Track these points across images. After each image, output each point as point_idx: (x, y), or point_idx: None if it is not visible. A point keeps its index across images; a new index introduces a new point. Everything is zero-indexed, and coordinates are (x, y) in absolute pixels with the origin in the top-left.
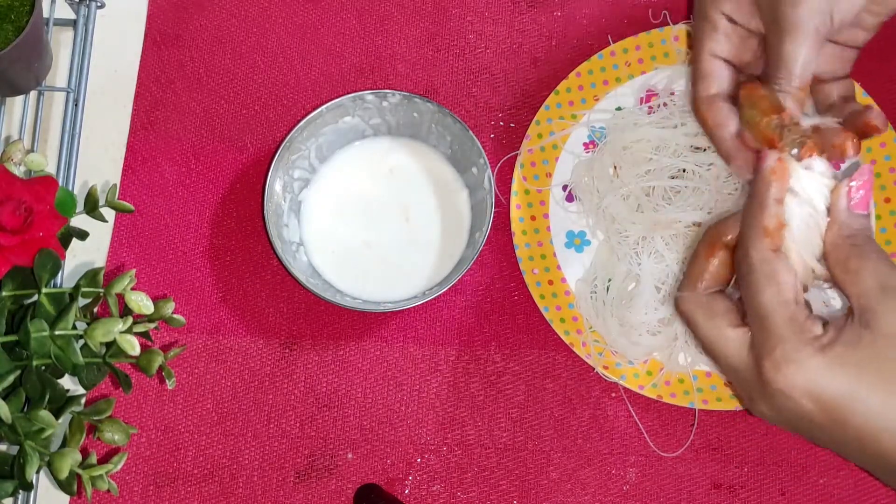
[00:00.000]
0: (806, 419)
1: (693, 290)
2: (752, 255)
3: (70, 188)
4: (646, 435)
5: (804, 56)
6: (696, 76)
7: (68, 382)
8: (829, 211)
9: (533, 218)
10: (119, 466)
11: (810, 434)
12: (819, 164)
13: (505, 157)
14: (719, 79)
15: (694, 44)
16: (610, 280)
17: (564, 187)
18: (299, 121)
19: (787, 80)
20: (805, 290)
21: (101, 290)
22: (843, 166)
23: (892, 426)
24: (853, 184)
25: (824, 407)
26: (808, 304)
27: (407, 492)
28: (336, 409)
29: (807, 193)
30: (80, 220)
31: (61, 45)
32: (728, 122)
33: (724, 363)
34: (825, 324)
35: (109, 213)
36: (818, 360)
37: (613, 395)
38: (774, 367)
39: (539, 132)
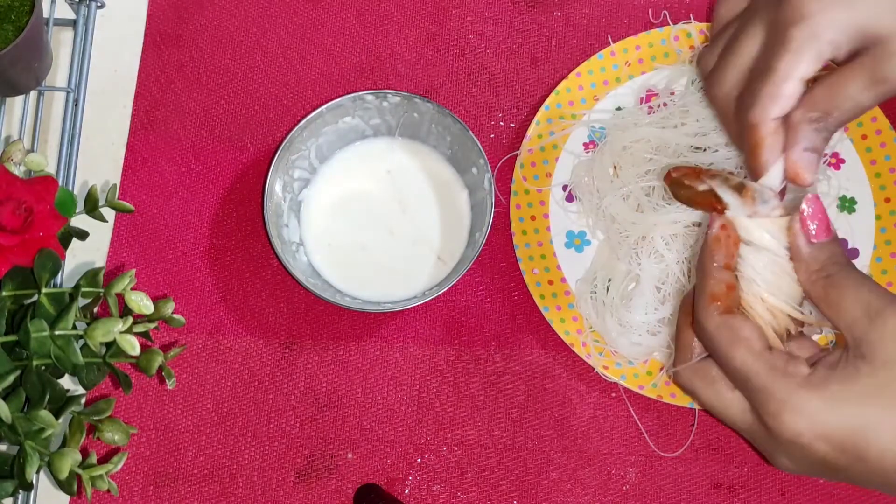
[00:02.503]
0: (824, 462)
1: (686, 362)
2: (707, 325)
3: (70, 188)
4: (646, 435)
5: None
6: (769, 90)
7: (68, 382)
8: (790, 250)
9: (533, 218)
10: (119, 466)
11: (834, 475)
12: (764, 205)
13: (505, 157)
14: (792, 98)
15: (778, 51)
16: (610, 280)
17: (564, 187)
18: (299, 121)
19: (835, 125)
20: (788, 336)
21: (101, 290)
22: (787, 196)
23: None
24: (806, 214)
25: (838, 446)
26: (787, 351)
27: (407, 492)
28: (336, 409)
29: (762, 242)
30: (80, 220)
31: (61, 45)
32: (775, 152)
33: (733, 427)
34: (814, 363)
35: (109, 213)
36: (816, 401)
37: (613, 395)
38: (775, 421)
39: (539, 132)
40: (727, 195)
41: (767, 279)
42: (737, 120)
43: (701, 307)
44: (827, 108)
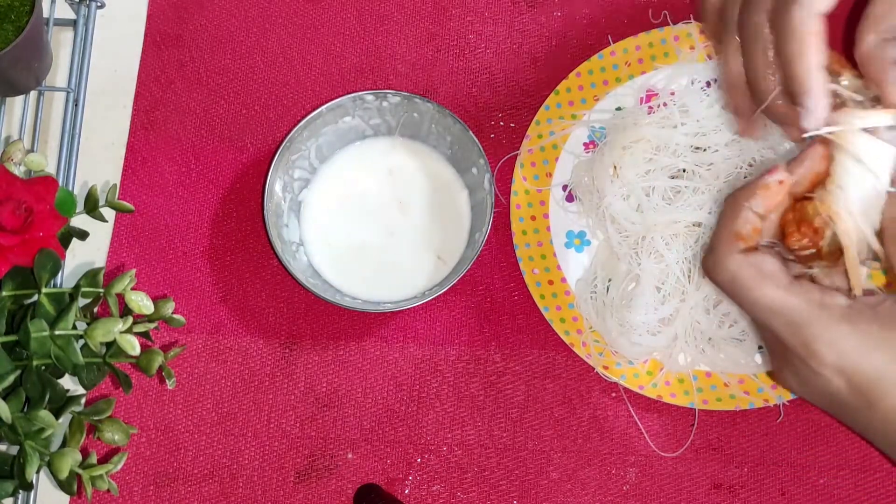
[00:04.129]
0: (834, 397)
1: (731, 250)
2: (729, 263)
3: (70, 188)
4: (646, 435)
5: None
6: None
7: (68, 382)
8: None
9: (533, 218)
10: (119, 466)
11: (835, 411)
12: (887, 132)
13: (505, 157)
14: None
15: None
16: (610, 280)
17: (564, 187)
18: (299, 121)
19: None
20: (861, 261)
21: (101, 290)
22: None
23: None
24: None
25: (855, 386)
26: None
27: (407, 492)
28: (336, 409)
29: (870, 160)
30: (80, 220)
31: (61, 45)
32: (821, 49)
33: (765, 327)
34: (852, 295)
35: (109, 213)
36: (853, 338)
37: (613, 395)
38: (805, 349)
39: (539, 132)
40: (855, 97)
41: (863, 201)
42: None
43: (723, 246)
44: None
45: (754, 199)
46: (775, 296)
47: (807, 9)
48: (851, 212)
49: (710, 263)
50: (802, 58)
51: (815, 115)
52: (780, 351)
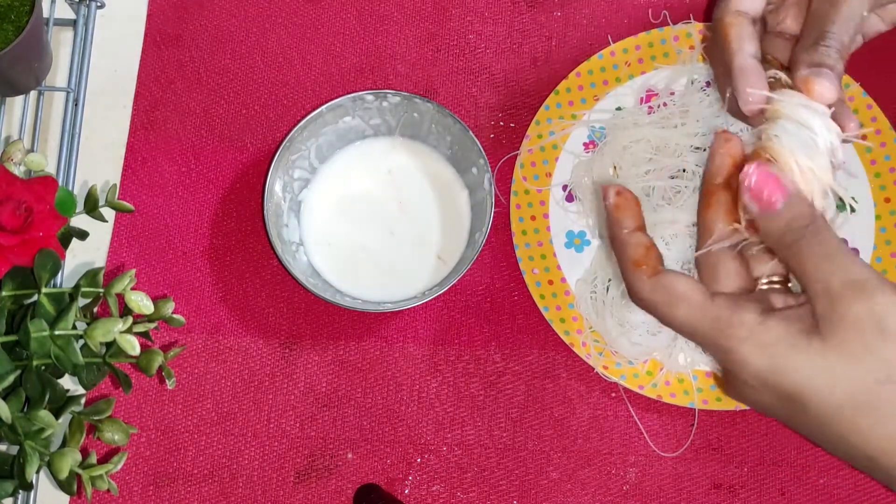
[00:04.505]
0: (769, 408)
1: (637, 279)
2: (641, 292)
3: (70, 188)
4: (646, 435)
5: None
6: None
7: (68, 382)
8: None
9: (533, 218)
10: (119, 466)
11: (781, 420)
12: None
13: (505, 157)
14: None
15: None
16: (610, 280)
17: (564, 187)
18: (299, 121)
19: (835, 38)
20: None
21: (101, 290)
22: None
23: (847, 402)
24: (749, 183)
25: (783, 398)
26: (734, 295)
27: (407, 492)
28: (336, 409)
29: (806, 121)
30: (80, 220)
31: (61, 45)
32: (751, 40)
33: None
34: (767, 309)
35: (109, 213)
36: (763, 356)
37: (613, 395)
38: (727, 365)
39: (539, 132)
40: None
41: (802, 144)
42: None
43: (629, 277)
44: (819, 26)
45: (622, 222)
46: (686, 318)
47: (725, 6)
48: (798, 160)
49: (630, 297)
50: (727, 46)
51: (746, 90)
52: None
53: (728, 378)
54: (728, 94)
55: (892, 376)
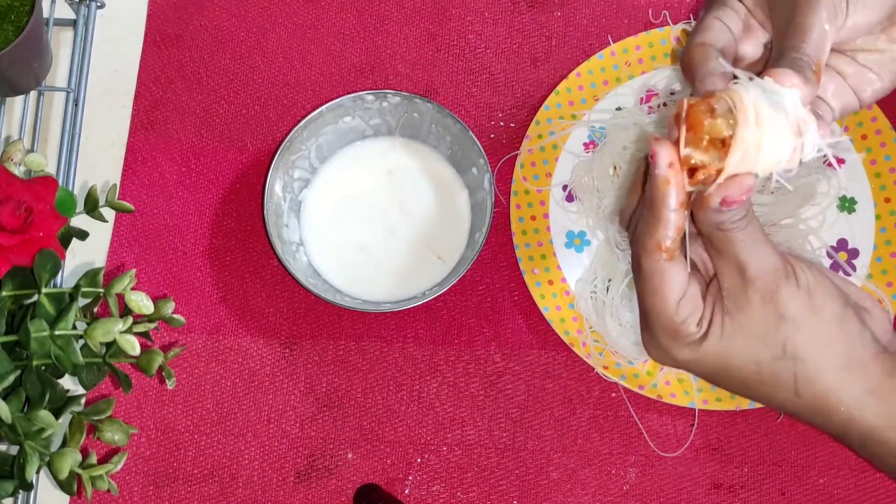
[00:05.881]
0: (701, 376)
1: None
2: (644, 265)
3: (70, 188)
4: (646, 435)
5: (820, 26)
6: (696, 29)
7: (68, 382)
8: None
9: (533, 218)
10: (119, 466)
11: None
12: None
13: (505, 157)
14: (719, 34)
15: (703, 9)
16: (610, 280)
17: (564, 187)
18: (299, 121)
19: (805, 47)
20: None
21: (101, 290)
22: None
23: (752, 375)
24: (717, 192)
25: (710, 370)
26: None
27: (407, 492)
28: (336, 409)
29: (771, 87)
30: (80, 220)
31: (61, 45)
32: (716, 58)
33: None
34: (701, 318)
35: (109, 213)
36: (688, 355)
37: (613, 395)
38: (665, 352)
39: (539, 132)
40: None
41: (769, 102)
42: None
43: (646, 247)
44: (787, 45)
45: (668, 199)
46: (655, 308)
47: (690, 40)
48: (756, 100)
49: (632, 263)
50: (692, 71)
51: (704, 80)
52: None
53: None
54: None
55: (784, 353)
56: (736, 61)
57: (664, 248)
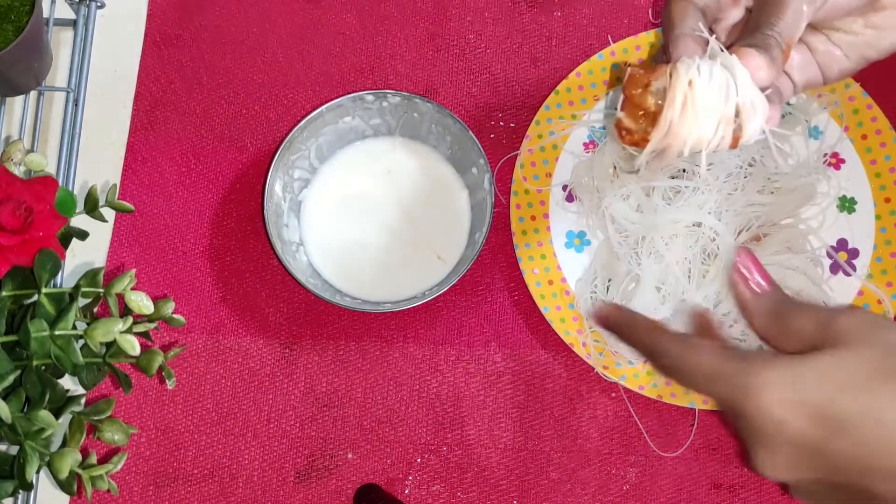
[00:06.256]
0: (803, 440)
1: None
2: (661, 347)
3: (70, 188)
4: (646, 435)
5: (798, 5)
6: None
7: (68, 382)
8: (738, 304)
9: (533, 218)
10: (119, 466)
11: (811, 458)
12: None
13: (505, 157)
14: None
15: None
16: (610, 280)
17: (564, 187)
18: (299, 121)
19: (779, 24)
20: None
21: (101, 290)
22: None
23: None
24: (743, 270)
25: (813, 416)
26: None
27: (407, 492)
28: (336, 409)
29: (728, 63)
30: (80, 220)
31: (61, 45)
32: (693, 17)
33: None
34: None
35: (109, 213)
36: (782, 372)
37: (613, 395)
38: (746, 401)
39: (539, 132)
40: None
41: (714, 81)
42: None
43: (650, 342)
44: (758, 19)
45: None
46: (709, 362)
47: None
48: (693, 78)
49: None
50: (669, 25)
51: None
52: (740, 428)
53: (752, 421)
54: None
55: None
56: (716, 21)
57: (653, 328)
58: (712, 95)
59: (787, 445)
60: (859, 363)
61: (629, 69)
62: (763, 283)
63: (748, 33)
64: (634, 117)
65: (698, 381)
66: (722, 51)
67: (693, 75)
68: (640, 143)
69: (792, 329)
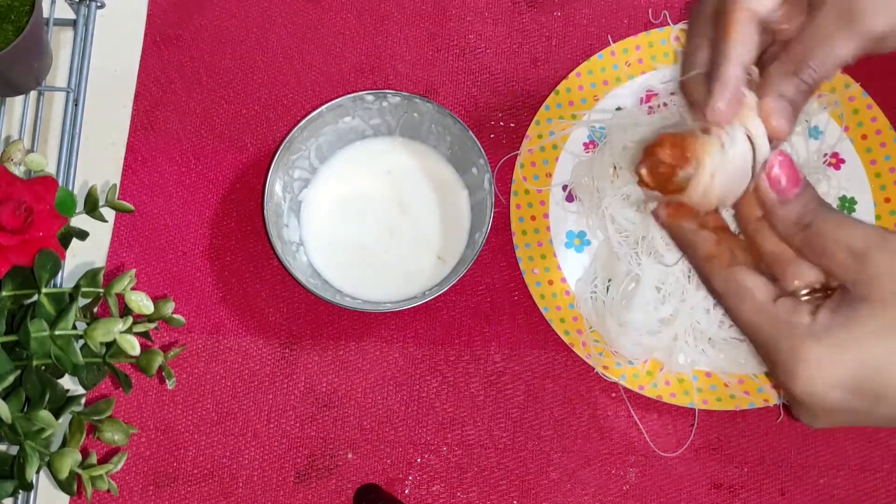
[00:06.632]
0: (843, 409)
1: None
2: (714, 283)
3: (70, 188)
4: (646, 435)
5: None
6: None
7: (68, 382)
8: (763, 206)
9: (533, 218)
10: (119, 466)
11: (857, 420)
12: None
13: (505, 157)
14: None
15: None
16: (610, 280)
17: (564, 187)
18: (299, 121)
19: (819, 72)
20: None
21: (101, 290)
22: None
23: None
24: (775, 171)
25: (851, 390)
26: (792, 295)
27: (407, 492)
28: (336, 409)
29: (757, 137)
30: (80, 220)
31: (61, 45)
32: (750, 46)
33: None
34: (816, 307)
35: (109, 213)
36: (821, 349)
37: (613, 395)
38: (786, 375)
39: (539, 132)
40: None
41: (737, 166)
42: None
43: (703, 270)
44: (801, 58)
45: (680, 227)
46: (749, 316)
47: (742, 3)
48: (718, 171)
49: (706, 289)
50: (725, 44)
51: (718, 105)
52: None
53: (792, 393)
54: (692, 75)
55: None
56: (779, 33)
57: (712, 253)
58: (737, 169)
59: (829, 413)
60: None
61: (658, 152)
62: (788, 185)
63: (784, 69)
64: (655, 173)
65: (740, 326)
66: (755, 77)
67: (719, 158)
68: (658, 190)
69: (820, 247)
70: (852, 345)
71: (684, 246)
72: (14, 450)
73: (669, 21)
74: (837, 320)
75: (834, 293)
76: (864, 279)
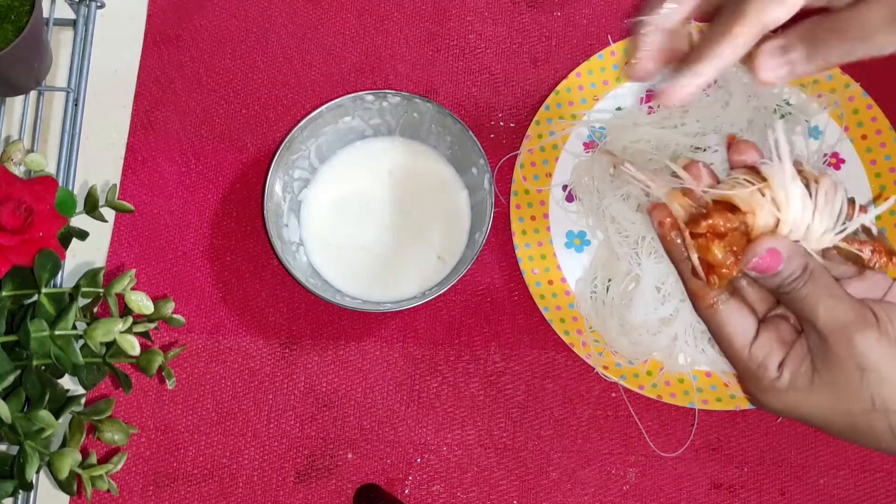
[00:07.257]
0: (795, 419)
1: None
2: (697, 313)
3: (70, 188)
4: (646, 435)
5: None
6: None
7: (68, 382)
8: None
9: (533, 218)
10: (119, 466)
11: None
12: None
13: (505, 157)
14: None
15: None
16: (610, 280)
17: (564, 187)
18: (299, 121)
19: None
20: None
21: (101, 290)
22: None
23: (846, 428)
24: (755, 260)
25: (804, 419)
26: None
27: (407, 492)
28: (336, 409)
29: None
30: (80, 220)
31: (61, 45)
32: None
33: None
34: (783, 359)
35: (109, 213)
36: (778, 404)
37: (613, 395)
38: (755, 401)
39: (539, 132)
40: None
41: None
42: None
43: (689, 296)
44: (837, 37)
45: (676, 249)
46: (727, 356)
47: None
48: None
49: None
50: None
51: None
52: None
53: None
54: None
55: (874, 406)
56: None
57: (700, 294)
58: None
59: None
60: (839, 409)
61: (720, 221)
62: (773, 272)
63: (814, 31)
64: (726, 247)
65: (725, 356)
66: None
67: (794, 191)
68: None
69: (794, 311)
70: (804, 405)
71: (674, 262)
72: (14, 450)
73: None
74: (799, 382)
75: (800, 345)
76: (825, 358)
